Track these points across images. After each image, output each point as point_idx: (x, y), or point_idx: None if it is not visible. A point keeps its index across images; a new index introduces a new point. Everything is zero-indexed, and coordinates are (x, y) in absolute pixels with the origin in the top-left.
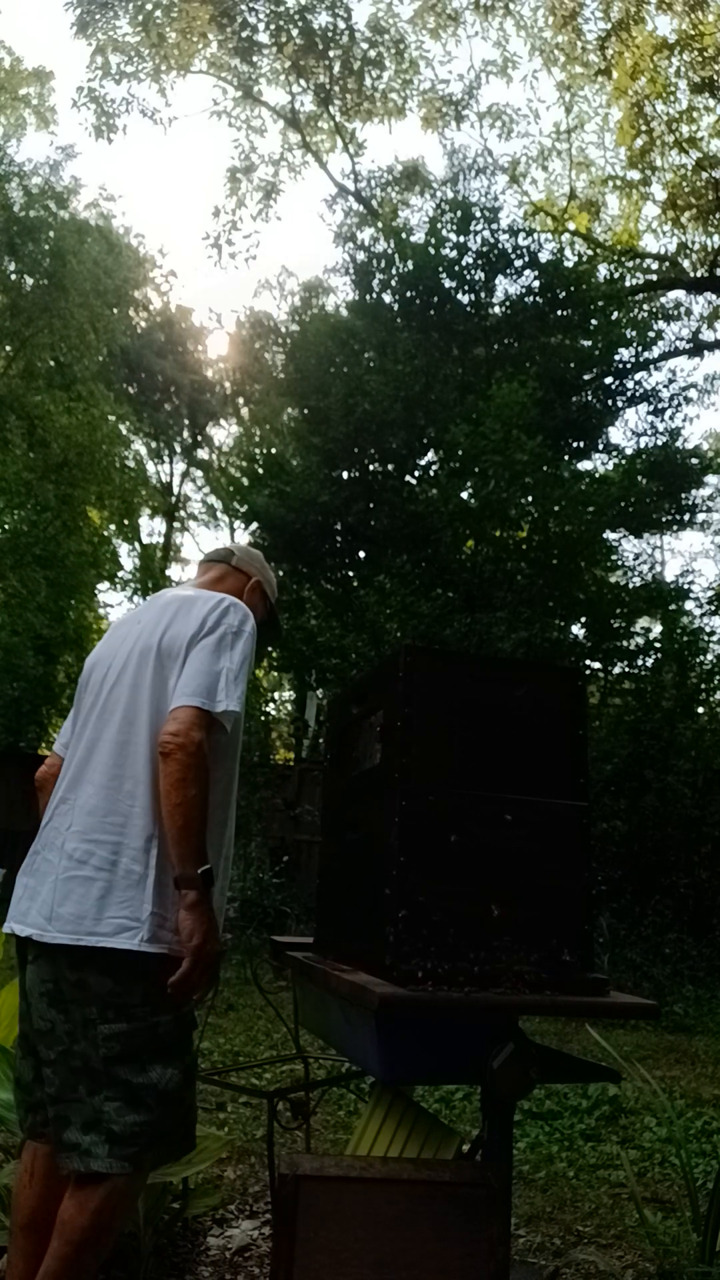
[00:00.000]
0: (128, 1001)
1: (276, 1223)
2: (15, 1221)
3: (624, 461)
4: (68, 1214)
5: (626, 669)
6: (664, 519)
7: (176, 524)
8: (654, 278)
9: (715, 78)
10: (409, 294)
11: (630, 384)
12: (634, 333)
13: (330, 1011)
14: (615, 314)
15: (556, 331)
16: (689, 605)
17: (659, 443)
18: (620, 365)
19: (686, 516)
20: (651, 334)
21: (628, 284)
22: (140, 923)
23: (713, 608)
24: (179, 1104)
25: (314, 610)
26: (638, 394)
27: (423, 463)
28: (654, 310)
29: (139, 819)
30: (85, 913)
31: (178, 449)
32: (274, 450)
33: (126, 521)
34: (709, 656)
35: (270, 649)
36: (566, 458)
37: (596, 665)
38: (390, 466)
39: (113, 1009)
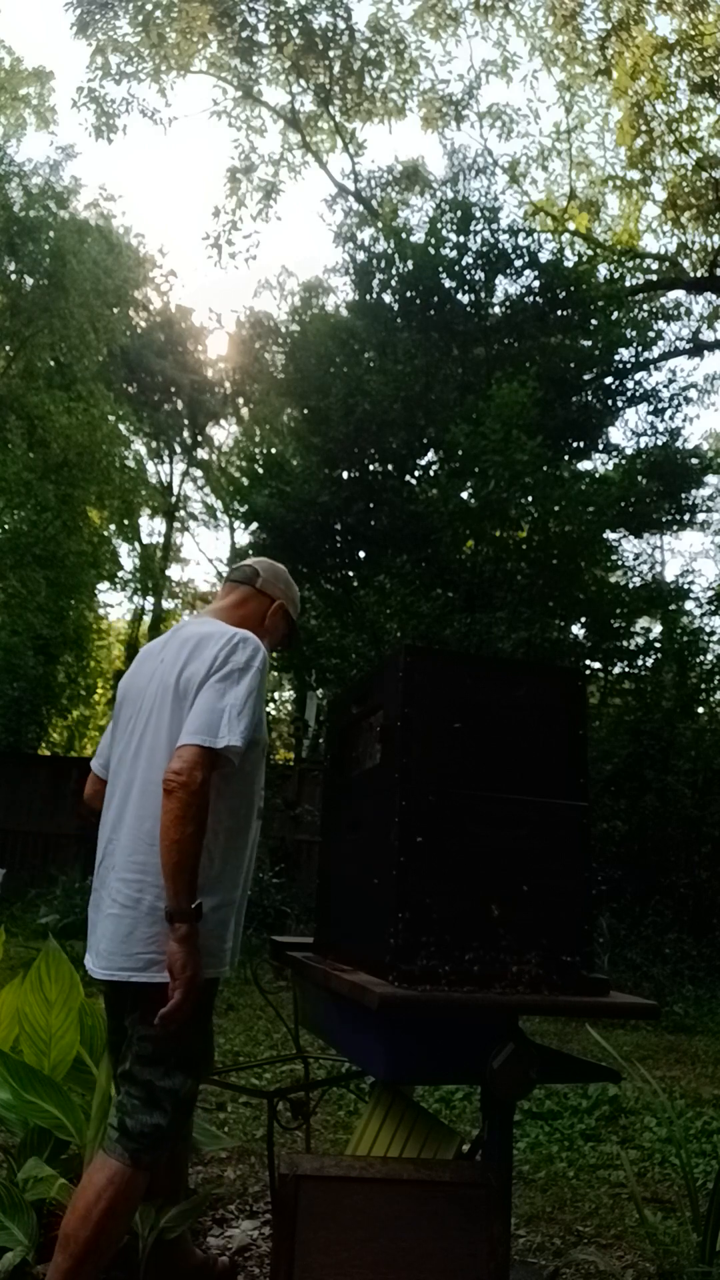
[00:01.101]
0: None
1: (276, 1223)
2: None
3: (624, 461)
4: (70, 1227)
5: (626, 669)
6: (664, 519)
7: (176, 524)
8: (654, 278)
9: (715, 78)
10: (409, 294)
11: (630, 384)
12: (634, 333)
13: (330, 1012)
14: (615, 314)
15: (556, 331)
16: (689, 605)
17: (659, 443)
18: (620, 365)
19: (686, 516)
20: (651, 334)
21: (628, 284)
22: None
23: (713, 608)
24: (189, 1113)
25: (314, 610)
26: (638, 394)
27: (423, 463)
28: (654, 310)
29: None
30: (117, 949)
31: (178, 449)
32: (274, 450)
33: (126, 521)
34: (709, 656)
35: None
36: (566, 458)
37: (596, 665)
38: (390, 466)
39: (149, 1019)
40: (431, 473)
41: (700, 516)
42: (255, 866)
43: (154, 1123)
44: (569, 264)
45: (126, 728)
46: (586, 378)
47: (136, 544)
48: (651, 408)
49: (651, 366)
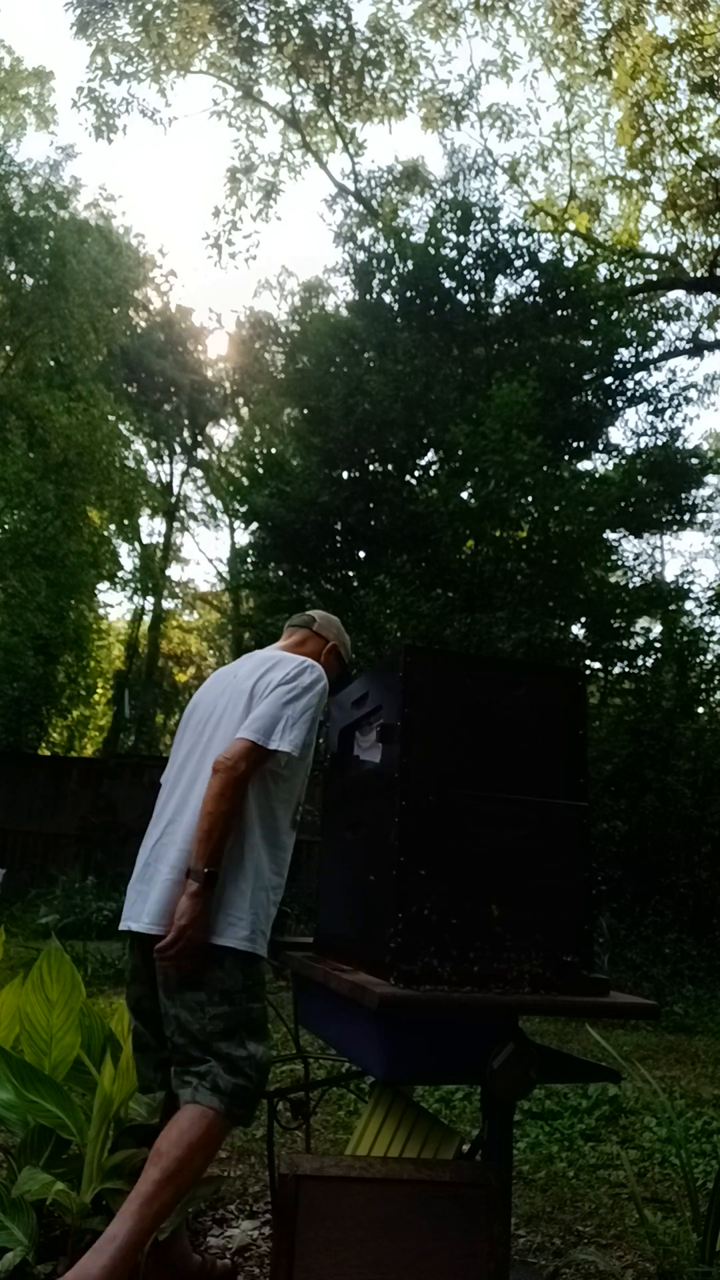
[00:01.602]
0: (230, 988)
1: (276, 1223)
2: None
3: (624, 461)
4: (163, 1145)
5: (626, 669)
6: (664, 519)
7: (176, 524)
8: (654, 278)
9: (715, 78)
10: (409, 294)
11: (630, 384)
12: (634, 333)
13: (330, 1011)
14: (615, 314)
15: (556, 331)
16: (689, 605)
17: (659, 443)
18: (620, 365)
19: (686, 516)
20: (651, 334)
21: (628, 284)
22: (233, 923)
23: (713, 608)
24: (265, 1075)
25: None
26: (638, 394)
27: (423, 463)
28: (654, 310)
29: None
30: (171, 910)
31: (178, 449)
32: (274, 450)
33: (126, 521)
34: (709, 656)
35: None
36: (566, 458)
37: (596, 665)
38: (390, 466)
39: (219, 994)
40: (431, 473)
41: (700, 516)
42: None
43: (239, 1084)
44: (569, 264)
45: (197, 728)
46: (586, 378)
47: (136, 544)
48: (651, 408)
49: (651, 366)
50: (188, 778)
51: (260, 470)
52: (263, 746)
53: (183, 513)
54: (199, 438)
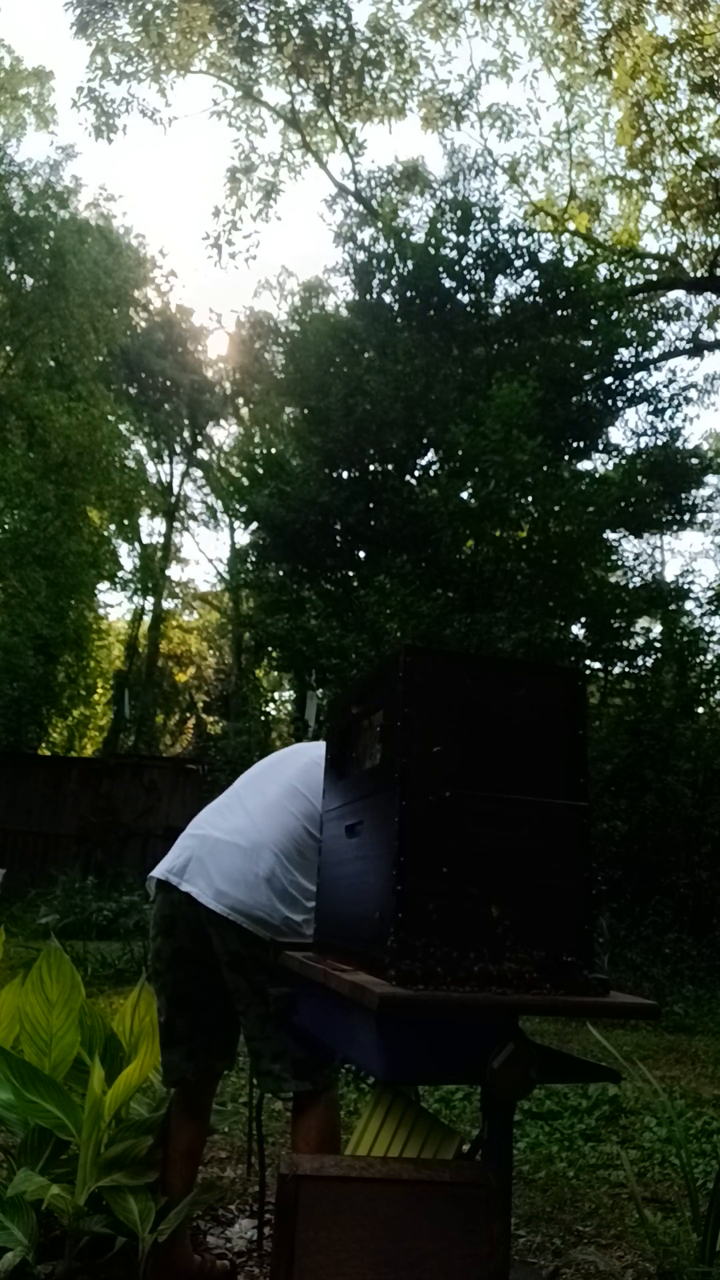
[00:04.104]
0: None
1: (277, 1223)
2: (176, 1149)
3: (624, 461)
4: (306, 1133)
5: (626, 669)
6: (664, 519)
7: (176, 524)
8: (654, 278)
9: (715, 78)
10: (409, 294)
11: (630, 384)
12: (634, 333)
13: (329, 1011)
14: (615, 314)
15: (556, 331)
16: (689, 605)
17: (659, 443)
18: (620, 365)
19: (686, 516)
20: (651, 334)
21: (628, 284)
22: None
23: (713, 608)
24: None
25: (314, 610)
26: (638, 394)
27: (423, 463)
28: (654, 310)
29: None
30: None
31: (178, 449)
32: (274, 450)
33: (126, 521)
34: (709, 656)
35: (270, 648)
36: (566, 458)
37: (596, 665)
38: (390, 466)
39: (278, 976)
40: (431, 473)
41: (700, 516)
42: None
43: (308, 1054)
44: (569, 264)
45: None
46: (586, 378)
47: (136, 544)
48: (651, 408)
49: (651, 366)
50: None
51: (260, 470)
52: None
53: (183, 513)
54: (199, 438)
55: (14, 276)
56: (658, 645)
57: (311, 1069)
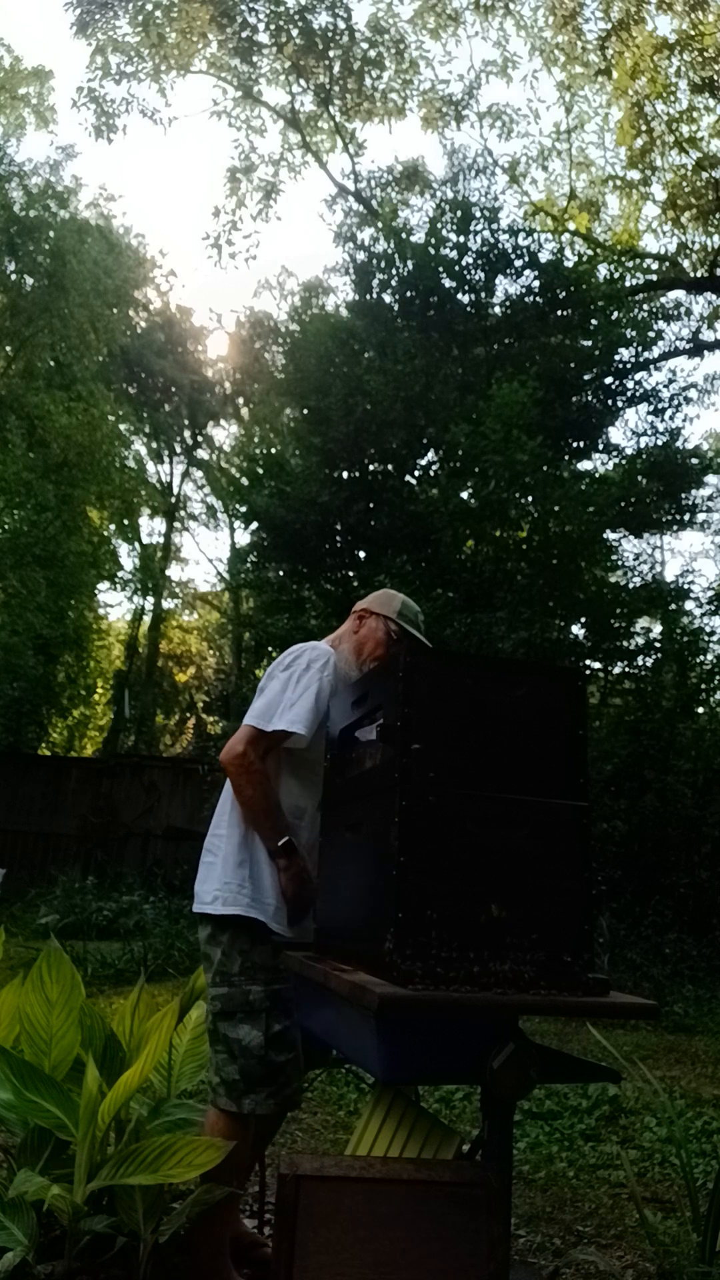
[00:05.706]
0: (229, 971)
1: (277, 1223)
2: (247, 1163)
3: (624, 461)
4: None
5: (626, 669)
6: (664, 519)
7: (176, 524)
8: (654, 278)
9: (715, 78)
10: (409, 294)
11: (630, 384)
12: (634, 333)
13: (330, 1011)
14: (615, 314)
15: (556, 331)
16: (689, 605)
17: (659, 443)
18: (620, 365)
19: (686, 516)
20: (651, 334)
21: (628, 284)
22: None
23: (713, 608)
24: (261, 1061)
25: (314, 610)
26: (638, 394)
27: (423, 463)
28: (654, 310)
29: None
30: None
31: (178, 449)
32: (274, 450)
33: (126, 521)
34: (709, 656)
35: (270, 649)
36: (566, 458)
37: (596, 665)
38: (390, 466)
39: (219, 975)
40: (431, 473)
41: (700, 516)
42: None
43: (234, 1073)
44: (569, 264)
45: None
46: (586, 378)
47: (136, 544)
48: (651, 408)
49: (651, 366)
50: None
51: (260, 470)
52: (262, 729)
53: (183, 513)
54: (199, 438)
55: (14, 276)
56: (658, 645)
57: (240, 1093)
